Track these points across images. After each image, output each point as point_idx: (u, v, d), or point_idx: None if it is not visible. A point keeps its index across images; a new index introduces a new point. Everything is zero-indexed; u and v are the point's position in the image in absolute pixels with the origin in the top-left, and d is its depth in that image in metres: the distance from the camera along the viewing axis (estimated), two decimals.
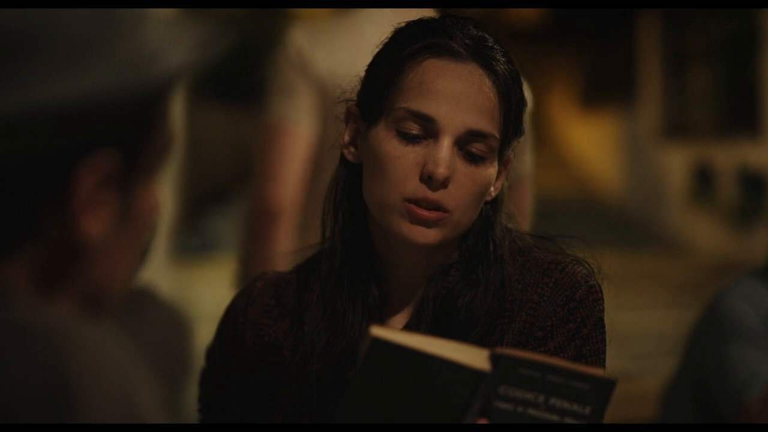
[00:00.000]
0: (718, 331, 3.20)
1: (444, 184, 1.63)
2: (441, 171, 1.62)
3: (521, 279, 1.70)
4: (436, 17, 1.73)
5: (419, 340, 1.45)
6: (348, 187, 1.73)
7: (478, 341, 1.65)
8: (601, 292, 1.70)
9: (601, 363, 1.68)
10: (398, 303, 1.73)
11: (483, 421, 1.47)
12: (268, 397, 1.74)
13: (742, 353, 3.14)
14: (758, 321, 3.16)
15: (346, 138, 1.73)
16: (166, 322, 2.36)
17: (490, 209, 1.72)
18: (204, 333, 2.29)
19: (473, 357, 1.45)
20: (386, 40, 1.72)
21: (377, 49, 1.73)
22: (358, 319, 1.70)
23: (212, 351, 1.84)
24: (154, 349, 2.29)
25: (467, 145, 1.65)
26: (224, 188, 14.08)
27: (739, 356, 3.14)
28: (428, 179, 1.63)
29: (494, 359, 1.45)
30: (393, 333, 1.46)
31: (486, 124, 1.65)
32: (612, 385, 1.46)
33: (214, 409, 1.84)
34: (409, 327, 1.70)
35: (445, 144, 1.64)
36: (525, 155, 2.69)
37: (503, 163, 1.72)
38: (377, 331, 1.44)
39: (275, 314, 1.77)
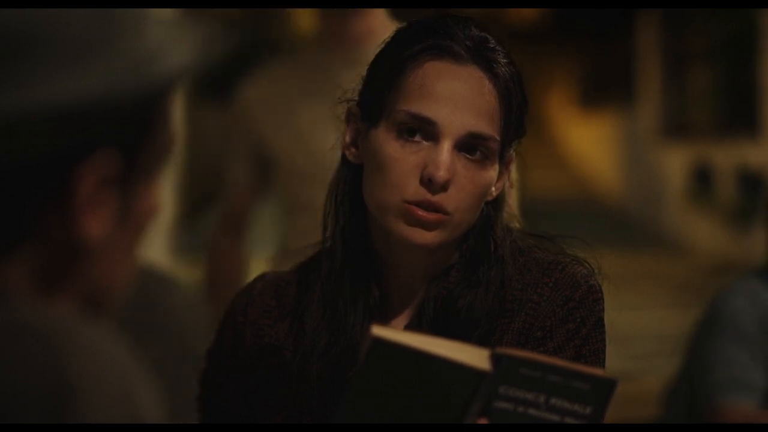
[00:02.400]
0: (713, 324, 3.20)
1: (444, 186, 1.63)
2: (441, 174, 1.62)
3: (521, 279, 1.70)
4: (438, 17, 1.73)
5: (420, 340, 1.45)
6: (349, 188, 1.73)
7: (479, 342, 1.65)
8: (601, 292, 1.70)
9: (600, 363, 1.67)
10: (399, 303, 1.73)
11: (483, 421, 1.47)
12: (268, 397, 1.74)
13: (729, 352, 3.13)
14: (755, 323, 3.15)
15: (347, 138, 1.73)
16: (181, 306, 2.36)
17: (491, 209, 1.72)
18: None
19: (474, 357, 1.45)
20: (388, 41, 1.72)
21: (379, 50, 1.73)
22: (359, 319, 1.70)
23: (212, 351, 1.84)
24: (169, 333, 2.29)
25: (468, 147, 1.65)
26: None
27: (725, 354, 3.13)
28: (428, 182, 1.63)
29: (495, 359, 1.44)
30: (394, 333, 1.46)
31: (486, 126, 1.65)
32: (613, 384, 1.46)
33: (213, 409, 1.83)
34: (410, 327, 1.70)
35: (446, 147, 1.63)
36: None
37: (504, 164, 1.72)
38: (378, 330, 1.44)
39: (275, 314, 1.77)
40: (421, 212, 1.63)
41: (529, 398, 1.45)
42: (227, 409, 1.81)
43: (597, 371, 1.48)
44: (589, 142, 17.60)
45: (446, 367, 1.43)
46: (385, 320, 1.72)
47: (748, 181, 12.28)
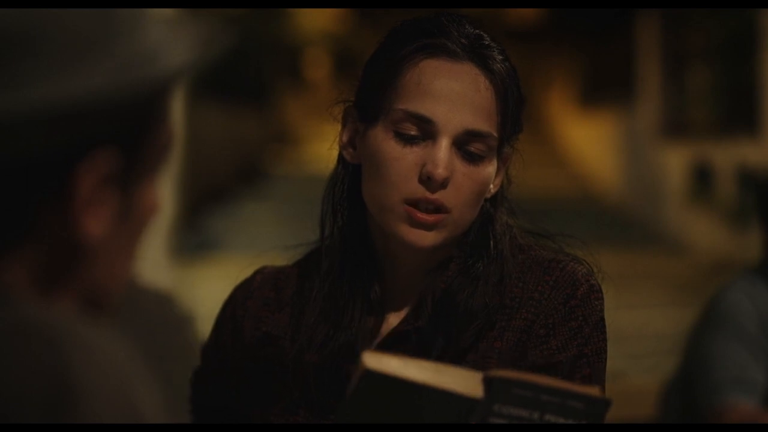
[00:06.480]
0: (711, 322, 3.18)
1: (443, 184, 1.63)
2: (440, 172, 1.62)
3: (522, 277, 1.70)
4: (432, 16, 1.73)
5: (411, 365, 1.43)
6: (347, 187, 1.73)
7: (477, 335, 1.66)
8: (601, 291, 1.70)
9: (602, 363, 1.68)
10: (398, 298, 1.73)
11: None
12: (265, 389, 1.75)
13: (730, 350, 3.11)
14: (755, 321, 3.14)
15: (345, 139, 1.73)
16: (165, 316, 2.36)
17: (490, 206, 1.73)
18: (202, 331, 2.28)
19: (466, 381, 1.43)
20: (383, 40, 1.73)
21: (374, 49, 1.73)
22: (358, 314, 1.70)
23: (209, 346, 1.84)
24: (153, 344, 2.29)
25: (465, 145, 1.65)
26: (223, 187, 14.08)
27: (726, 353, 3.11)
28: (427, 180, 1.63)
29: (487, 382, 1.43)
30: (385, 360, 1.43)
31: (483, 123, 1.66)
32: (606, 404, 1.44)
33: (208, 408, 1.83)
34: (409, 321, 1.70)
35: (444, 145, 1.64)
36: None
37: (502, 160, 1.72)
38: (369, 360, 1.41)
39: (274, 306, 1.78)
40: (420, 215, 1.63)
41: (524, 415, 1.44)
42: (223, 403, 1.81)
43: (591, 390, 1.46)
44: (588, 141, 17.60)
45: (438, 396, 1.41)
46: (383, 315, 1.72)
47: (748, 179, 12.28)
